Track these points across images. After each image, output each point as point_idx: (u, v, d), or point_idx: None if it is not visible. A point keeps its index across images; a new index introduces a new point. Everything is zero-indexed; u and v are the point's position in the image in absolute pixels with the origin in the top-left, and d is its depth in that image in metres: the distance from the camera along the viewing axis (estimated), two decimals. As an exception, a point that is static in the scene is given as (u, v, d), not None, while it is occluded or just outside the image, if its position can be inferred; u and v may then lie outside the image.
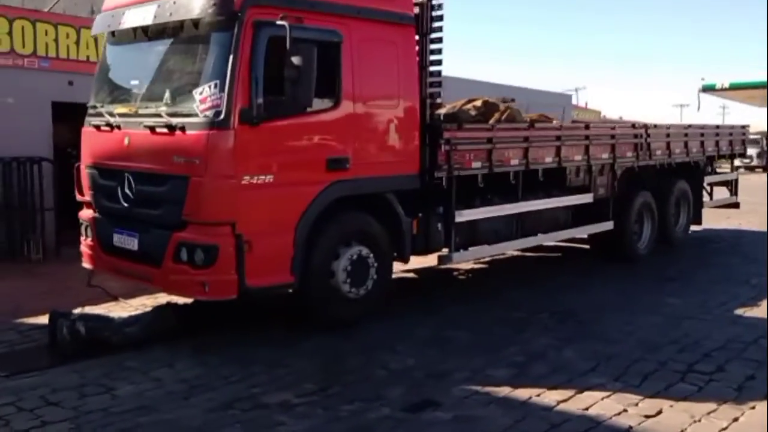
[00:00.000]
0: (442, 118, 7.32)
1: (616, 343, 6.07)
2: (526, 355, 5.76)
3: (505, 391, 4.99)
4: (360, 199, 6.37)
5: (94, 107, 6.52)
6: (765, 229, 11.41)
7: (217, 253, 5.46)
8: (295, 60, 5.37)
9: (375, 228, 6.50)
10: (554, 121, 8.77)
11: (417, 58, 6.81)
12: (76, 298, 7.26)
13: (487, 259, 9.70)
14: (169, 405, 4.71)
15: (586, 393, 4.94)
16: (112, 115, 6.21)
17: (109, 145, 6.25)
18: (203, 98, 5.47)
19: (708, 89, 28.75)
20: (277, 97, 5.55)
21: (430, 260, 7.59)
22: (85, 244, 6.69)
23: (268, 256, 5.71)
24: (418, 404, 4.76)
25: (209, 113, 5.43)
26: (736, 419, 4.56)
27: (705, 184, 11.43)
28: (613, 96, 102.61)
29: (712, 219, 12.33)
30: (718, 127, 11.51)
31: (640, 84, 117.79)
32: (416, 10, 6.80)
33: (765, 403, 4.77)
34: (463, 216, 7.14)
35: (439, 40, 6.89)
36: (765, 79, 22.89)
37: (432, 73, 6.89)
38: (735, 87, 27.77)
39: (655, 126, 10.06)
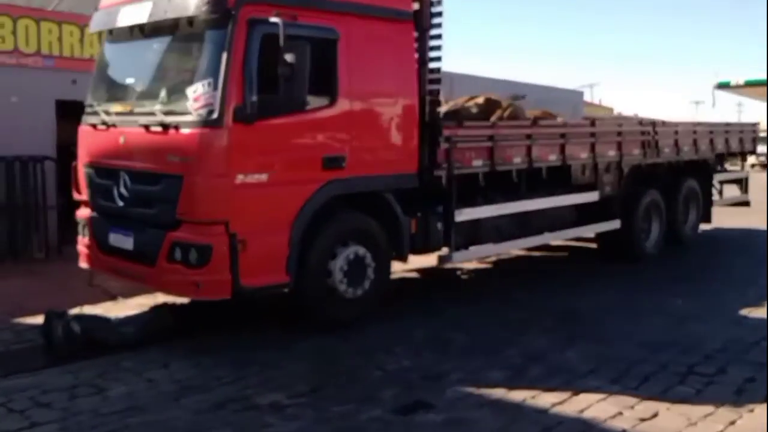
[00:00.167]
0: (442, 115, 7.24)
1: (616, 344, 5.97)
2: (525, 357, 5.67)
3: (499, 393, 4.91)
4: (357, 197, 6.31)
5: (91, 105, 6.51)
6: None
7: (210, 252, 5.42)
8: (289, 58, 5.31)
9: (373, 227, 6.43)
10: (558, 119, 8.64)
11: (416, 55, 6.72)
12: (75, 297, 7.25)
13: (492, 258, 9.61)
14: (159, 406, 4.67)
15: (582, 395, 4.85)
16: (108, 113, 6.19)
17: (105, 144, 6.24)
18: (197, 96, 5.43)
19: (723, 86, 28.47)
20: (271, 95, 5.49)
21: (433, 260, 7.49)
22: (82, 243, 6.68)
23: (263, 256, 5.66)
24: (410, 406, 4.69)
25: (202, 112, 5.40)
26: (733, 422, 4.45)
27: (715, 182, 11.27)
28: (629, 93, 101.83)
29: (723, 218, 12.15)
30: (727, 124, 11.33)
31: (656, 81, 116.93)
32: (415, 6, 6.72)
33: (765, 406, 4.66)
34: (464, 215, 7.06)
35: (439, 36, 6.81)
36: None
37: (431, 70, 6.81)
38: (751, 84, 27.44)
39: (663, 123, 9.92)
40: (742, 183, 11.90)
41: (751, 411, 4.62)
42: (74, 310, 6.38)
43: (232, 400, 4.78)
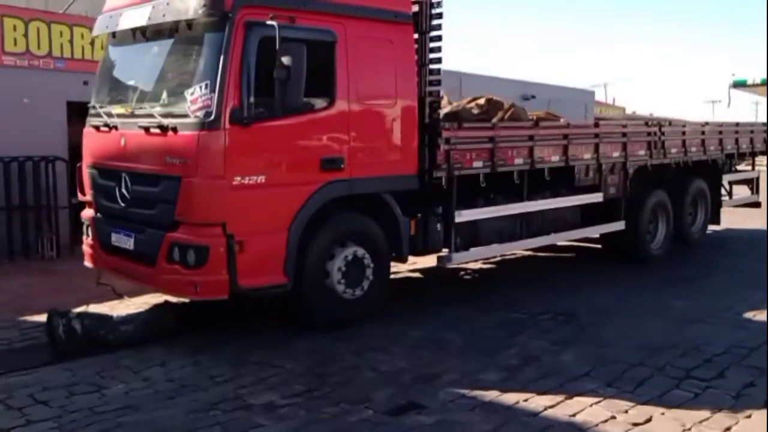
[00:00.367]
0: (443, 116, 7.24)
1: (614, 346, 5.94)
2: (521, 359, 5.67)
3: (492, 395, 4.91)
4: (356, 199, 6.33)
5: (94, 107, 6.60)
6: None
7: (208, 253, 5.47)
8: (285, 60, 5.35)
9: (372, 228, 6.46)
10: (561, 120, 8.60)
11: (415, 57, 6.74)
12: (83, 296, 7.36)
13: (496, 258, 9.60)
14: (153, 405, 4.74)
15: (575, 399, 4.84)
16: (110, 115, 6.27)
17: (107, 146, 6.32)
18: (194, 99, 5.48)
19: (739, 85, 27.96)
20: (269, 97, 5.54)
21: (435, 260, 7.51)
22: (87, 243, 6.78)
23: (261, 257, 5.71)
24: (402, 407, 4.71)
25: (200, 114, 5.45)
26: (728, 428, 4.42)
27: (725, 183, 11.15)
28: (644, 92, 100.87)
29: (734, 219, 12.02)
30: (737, 124, 11.19)
31: (672, 80, 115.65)
32: (415, 8, 6.73)
33: (763, 412, 4.62)
34: (464, 216, 7.05)
35: (439, 38, 6.81)
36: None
37: (431, 72, 6.81)
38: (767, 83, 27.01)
39: (670, 123, 9.84)
40: (753, 183, 11.76)
41: (749, 417, 4.58)
42: (79, 309, 6.47)
43: (226, 399, 4.83)
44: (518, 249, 8.77)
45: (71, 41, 10.53)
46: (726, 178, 11.12)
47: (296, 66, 5.39)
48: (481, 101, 7.79)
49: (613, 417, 4.56)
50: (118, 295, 7.24)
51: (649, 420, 4.53)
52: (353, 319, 6.35)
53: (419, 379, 5.21)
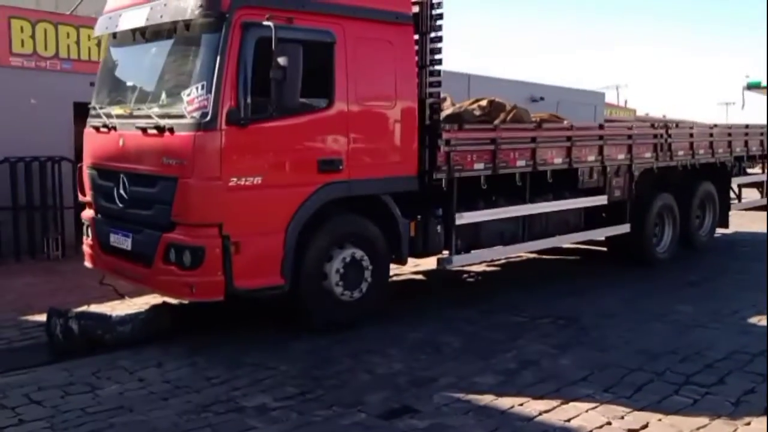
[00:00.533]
0: (444, 118, 7.20)
1: (614, 351, 5.88)
2: (519, 362, 5.61)
3: (487, 399, 4.86)
4: (355, 200, 6.30)
5: (94, 108, 6.62)
6: None
7: (203, 254, 5.46)
8: (282, 61, 5.33)
9: (370, 230, 6.42)
10: (565, 122, 8.53)
11: (416, 58, 6.70)
12: (85, 295, 7.41)
13: (500, 261, 9.54)
14: (146, 406, 4.72)
15: (571, 403, 4.78)
16: (109, 116, 6.28)
17: (106, 146, 6.34)
18: (191, 99, 5.48)
19: (753, 87, 27.72)
20: (266, 98, 5.52)
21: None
22: (86, 243, 6.80)
23: (257, 258, 5.69)
24: (395, 411, 4.67)
25: (196, 114, 5.44)
26: (725, 436, 4.36)
27: (734, 186, 11.02)
28: (658, 95, 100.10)
29: (744, 222, 11.88)
30: (747, 126, 11.05)
31: (686, 82, 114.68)
32: (415, 9, 6.69)
33: (763, 419, 4.54)
34: (464, 218, 7.01)
35: (439, 39, 6.77)
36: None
37: (431, 73, 6.77)
38: (781, 85, 26.71)
39: (677, 125, 9.73)
40: (763, 186, 11.61)
41: (748, 424, 4.50)
42: (79, 309, 6.49)
43: (219, 401, 4.81)
44: (520, 252, 8.71)
45: (78, 42, 10.57)
46: (735, 181, 10.98)
47: (292, 67, 5.36)
48: (484, 103, 7.74)
49: (609, 423, 4.50)
50: (120, 296, 7.25)
51: (645, 426, 4.46)
52: (351, 321, 6.32)
53: (415, 382, 5.17)
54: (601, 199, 8.51)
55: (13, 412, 4.64)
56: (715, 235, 10.95)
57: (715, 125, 10.46)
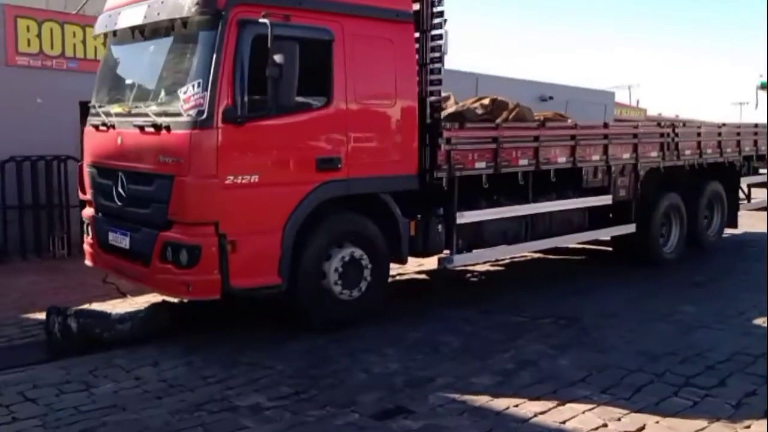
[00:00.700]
0: (447, 116, 7.15)
1: (614, 352, 5.80)
2: (517, 363, 5.55)
3: (483, 400, 4.81)
4: (354, 199, 6.27)
5: (94, 107, 6.63)
6: None
7: (200, 253, 5.45)
8: (278, 58, 5.30)
9: (370, 229, 6.38)
10: (569, 120, 8.45)
11: (416, 56, 6.66)
12: (88, 293, 7.44)
13: (505, 261, 9.47)
14: (139, 405, 4.71)
15: (568, 405, 4.72)
16: (108, 114, 6.29)
17: (105, 145, 6.34)
18: (187, 97, 5.47)
19: (767, 87, 27.46)
20: (263, 96, 5.50)
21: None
22: (87, 242, 6.81)
23: (254, 257, 5.67)
24: (389, 411, 4.63)
25: (192, 112, 5.43)
26: (725, 439, 4.28)
27: (743, 186, 10.89)
28: (671, 94, 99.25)
29: (752, 222, 11.73)
30: (756, 125, 10.91)
31: (700, 82, 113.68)
32: (416, 6, 6.65)
33: (764, 422, 4.45)
34: (465, 218, 6.95)
35: (440, 37, 6.71)
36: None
37: (432, 71, 6.72)
38: (794, 84, 26.41)
39: (684, 124, 9.62)
40: (768, 186, 11.45)
41: (747, 427, 4.42)
42: (80, 306, 6.50)
43: (213, 400, 4.79)
44: (522, 252, 8.64)
45: (84, 42, 10.62)
46: (744, 181, 10.85)
47: (288, 64, 5.34)
48: (486, 101, 7.69)
49: (605, 425, 4.44)
50: (122, 294, 7.26)
51: (642, 428, 4.40)
52: (350, 320, 6.28)
53: (411, 383, 5.12)
54: (606, 199, 8.43)
55: (7, 410, 4.64)
56: (724, 235, 10.83)
57: (724, 124, 10.33)
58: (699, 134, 9.63)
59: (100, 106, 6.49)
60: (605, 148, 8.24)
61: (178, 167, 5.48)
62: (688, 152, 9.39)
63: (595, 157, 8.17)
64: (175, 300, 6.61)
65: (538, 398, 4.83)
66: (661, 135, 9.05)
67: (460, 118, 7.29)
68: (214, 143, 5.40)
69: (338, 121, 6.06)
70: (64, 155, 10.02)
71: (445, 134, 6.67)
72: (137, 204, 5.92)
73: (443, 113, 7.26)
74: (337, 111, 6.04)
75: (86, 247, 6.86)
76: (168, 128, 5.51)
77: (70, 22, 10.56)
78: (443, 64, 6.75)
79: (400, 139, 6.50)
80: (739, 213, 10.79)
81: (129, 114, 6.07)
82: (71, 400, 4.79)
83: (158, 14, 5.68)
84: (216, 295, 5.56)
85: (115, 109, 6.27)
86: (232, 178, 5.48)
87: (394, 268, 7.58)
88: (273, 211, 5.73)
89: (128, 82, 6.42)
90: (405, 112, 6.49)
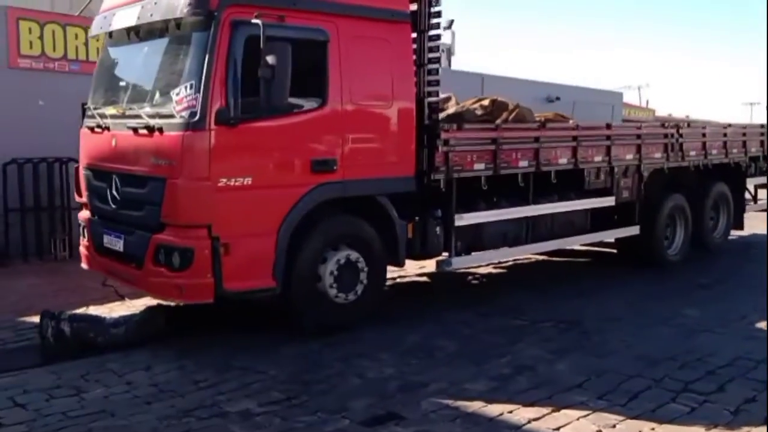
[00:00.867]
0: (446, 117, 7.07)
1: (613, 356, 5.70)
2: (513, 367, 5.47)
3: (476, 405, 4.73)
4: (350, 201, 6.21)
5: (89, 108, 6.60)
6: None
7: (192, 255, 5.40)
8: (270, 59, 5.24)
9: (366, 231, 6.32)
10: (570, 121, 8.35)
11: (413, 57, 6.58)
12: (86, 296, 7.41)
13: (508, 263, 9.37)
14: (128, 410, 4.66)
15: (563, 411, 4.63)
16: (103, 116, 6.25)
17: (100, 147, 6.31)
18: (180, 99, 5.42)
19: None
20: (255, 97, 5.44)
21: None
22: (83, 244, 6.78)
23: (248, 260, 5.61)
24: (380, 417, 4.55)
25: (185, 114, 5.38)
26: (722, 446, 4.18)
27: (749, 187, 10.74)
28: (682, 94, 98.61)
29: (758, 224, 11.54)
30: (762, 126, 10.76)
31: (711, 82, 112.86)
32: (413, 6, 6.58)
33: (763, 429, 4.35)
34: (464, 220, 6.87)
35: (438, 37, 6.65)
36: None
37: (430, 72, 6.65)
38: (807, 83, 26.14)
39: (689, 125, 9.49)
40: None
41: (746, 434, 4.33)
42: (76, 310, 6.47)
43: (202, 406, 4.73)
44: (522, 254, 8.55)
45: (86, 44, 10.59)
46: (751, 182, 10.70)
47: (281, 65, 5.27)
48: (486, 102, 7.60)
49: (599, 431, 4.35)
50: (120, 297, 7.24)
51: (637, 436, 4.31)
52: (346, 323, 6.22)
53: (404, 388, 5.05)
54: (609, 201, 8.32)
55: (-5, 415, 4.61)
56: (730, 237, 10.68)
57: (729, 125, 10.20)
58: (704, 135, 9.51)
59: (95, 108, 6.46)
60: (608, 149, 8.13)
61: (170, 169, 5.43)
62: (692, 153, 9.26)
63: (598, 158, 8.07)
64: (171, 303, 6.57)
65: (532, 404, 4.74)
66: (665, 136, 8.94)
67: (459, 119, 7.21)
68: (207, 145, 5.35)
69: (334, 123, 6.00)
70: (66, 157, 9.99)
71: (443, 135, 6.59)
72: (131, 206, 5.88)
73: (444, 114, 7.20)
74: (333, 112, 5.98)
75: (82, 250, 6.84)
76: (161, 130, 5.47)
77: (72, 24, 10.53)
78: (441, 65, 6.70)
79: (397, 141, 6.42)
80: (746, 214, 10.63)
81: (123, 116, 6.03)
82: (60, 406, 4.74)
83: (151, 15, 5.64)
84: (209, 298, 5.51)
85: (110, 110, 6.23)
86: (225, 180, 5.43)
87: (395, 271, 7.51)
88: (267, 214, 5.67)
89: (123, 83, 6.39)
90: (402, 113, 6.42)
